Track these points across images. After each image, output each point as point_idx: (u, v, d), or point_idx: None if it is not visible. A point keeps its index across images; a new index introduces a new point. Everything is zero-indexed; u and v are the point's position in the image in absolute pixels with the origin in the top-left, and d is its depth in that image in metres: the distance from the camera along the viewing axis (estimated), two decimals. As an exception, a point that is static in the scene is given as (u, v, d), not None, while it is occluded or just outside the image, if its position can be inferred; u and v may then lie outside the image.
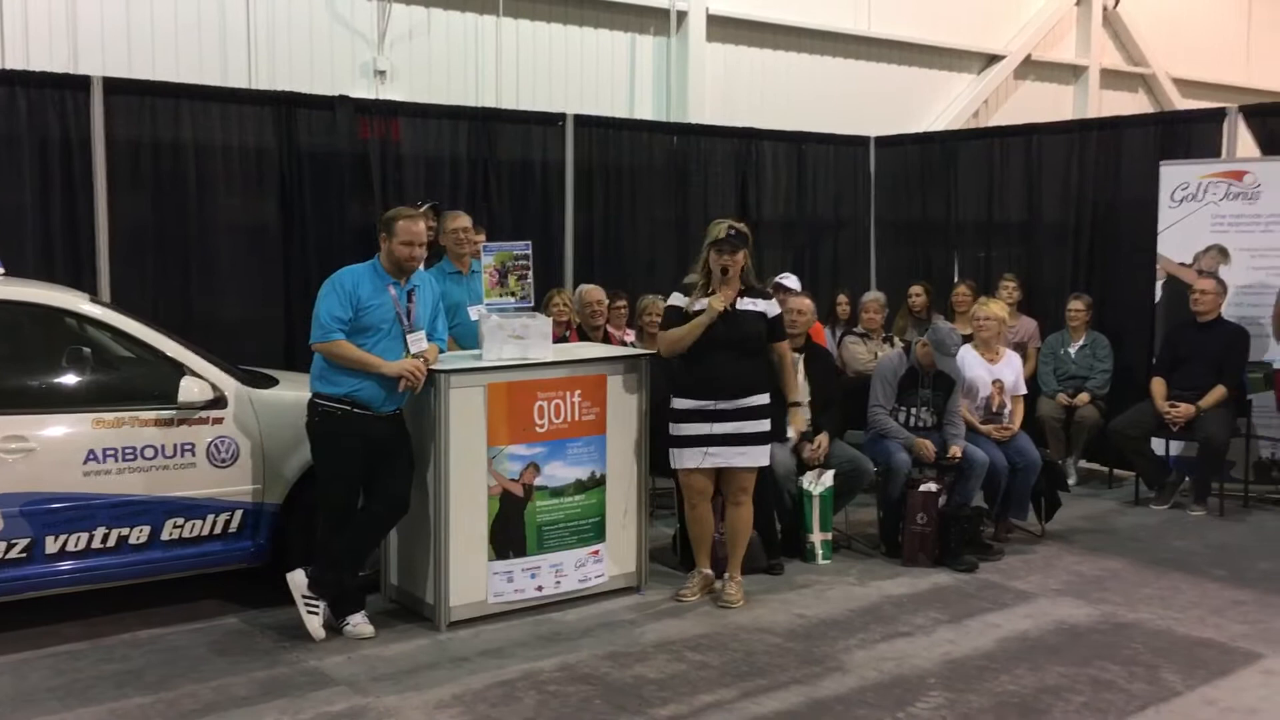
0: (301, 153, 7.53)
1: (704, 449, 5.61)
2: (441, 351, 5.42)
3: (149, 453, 5.13)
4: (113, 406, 5.12)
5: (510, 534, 5.43)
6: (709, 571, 5.86)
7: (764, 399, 5.65)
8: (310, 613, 5.10)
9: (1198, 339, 7.62)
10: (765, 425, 5.66)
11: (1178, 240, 8.18)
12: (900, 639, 5.25)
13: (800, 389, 6.36)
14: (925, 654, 5.06)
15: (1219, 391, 7.43)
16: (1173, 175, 8.20)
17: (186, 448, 5.22)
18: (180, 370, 5.26)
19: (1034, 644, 5.19)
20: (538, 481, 5.48)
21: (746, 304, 5.63)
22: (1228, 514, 7.51)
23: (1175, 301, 8.08)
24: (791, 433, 6.08)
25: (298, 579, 5.13)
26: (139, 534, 5.12)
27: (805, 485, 6.40)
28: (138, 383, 5.29)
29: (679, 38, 11.57)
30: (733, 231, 5.60)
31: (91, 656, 4.91)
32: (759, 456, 5.68)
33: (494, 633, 5.25)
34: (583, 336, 7.37)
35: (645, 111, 11.37)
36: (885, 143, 10.45)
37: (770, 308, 5.72)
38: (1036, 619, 5.53)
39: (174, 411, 5.20)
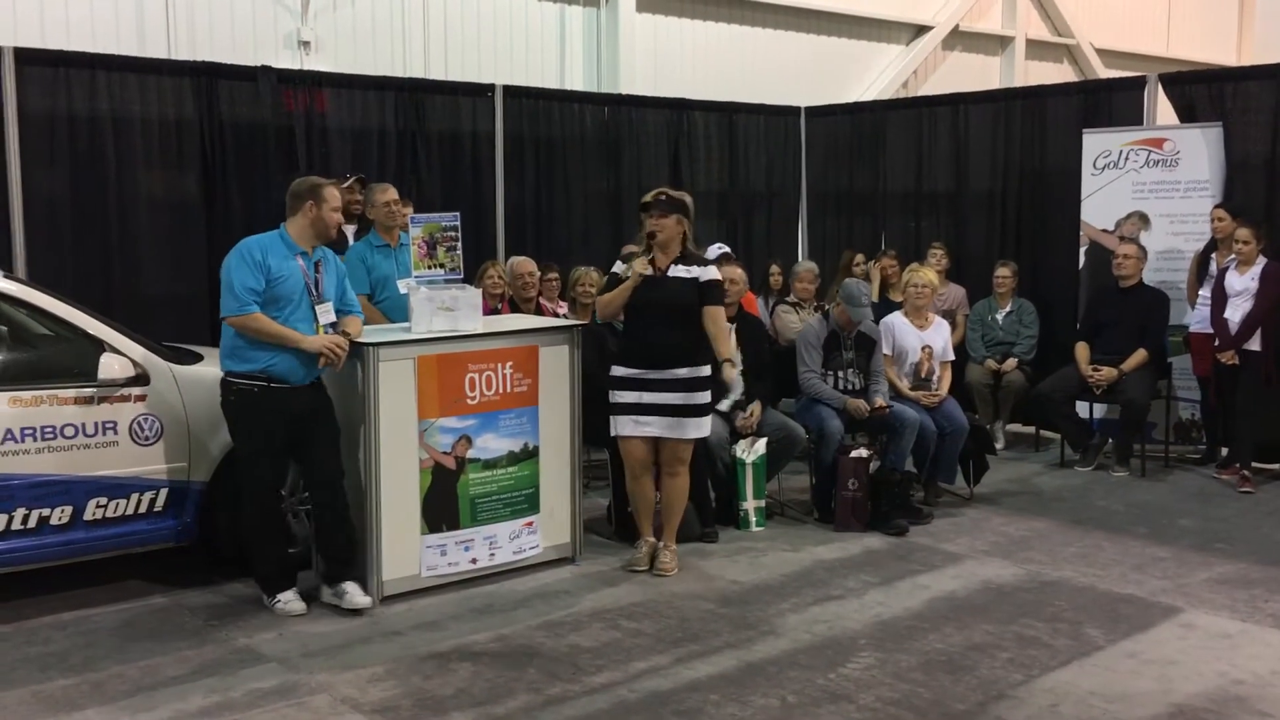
0: (224, 125, 7.39)
1: (635, 417, 5.62)
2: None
3: (69, 432, 5.02)
4: (30, 385, 5.00)
5: (443, 507, 5.40)
6: (654, 539, 5.86)
7: (700, 370, 5.60)
8: (280, 605, 5.07)
9: (1120, 304, 7.77)
10: (702, 398, 5.63)
11: (1100, 207, 8.34)
12: (832, 602, 5.32)
13: (733, 353, 6.39)
14: (856, 616, 5.13)
15: (1140, 355, 7.60)
16: (1095, 143, 8.34)
17: (108, 426, 5.11)
18: (100, 347, 5.14)
19: (962, 604, 5.29)
20: (470, 454, 5.45)
21: (679, 270, 5.60)
22: (1149, 474, 7.70)
23: (1098, 267, 8.25)
24: (732, 388, 5.85)
25: (265, 597, 5.14)
26: (61, 515, 5.01)
27: (738, 453, 6.45)
28: (56, 360, 5.17)
29: (609, 8, 11.49)
30: (663, 197, 5.60)
31: (14, 639, 4.81)
32: (693, 429, 5.64)
33: (427, 606, 5.23)
34: (515, 309, 7.34)
35: (576, 82, 11.29)
36: (816, 113, 10.51)
37: (704, 273, 5.62)
38: (964, 579, 5.63)
39: (94, 389, 5.08)
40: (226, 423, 5.11)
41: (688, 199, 5.71)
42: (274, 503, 5.17)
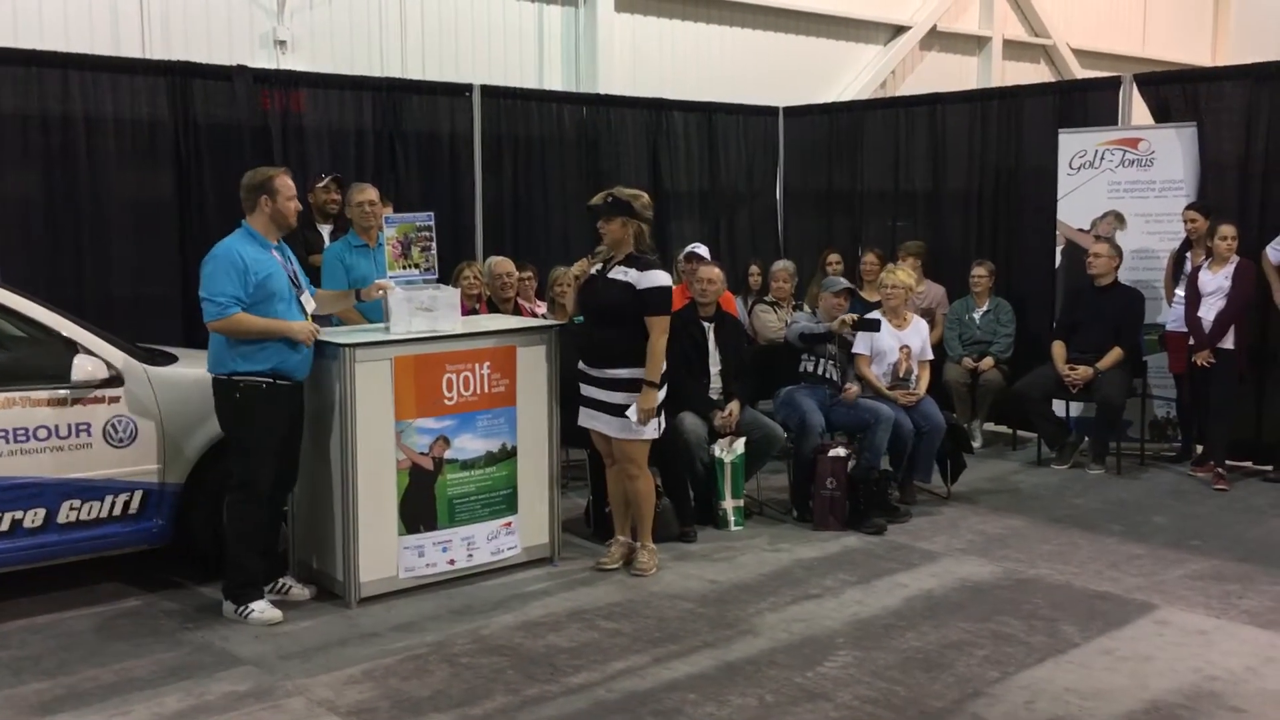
0: (199, 125, 7.34)
1: (586, 409, 5.68)
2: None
3: (42, 434, 4.98)
4: (3, 387, 4.95)
5: (420, 508, 5.38)
6: (625, 539, 5.87)
7: (631, 372, 5.51)
8: (256, 614, 5.00)
9: (1095, 302, 7.81)
10: (629, 399, 5.52)
11: (1076, 206, 8.38)
12: (810, 601, 5.33)
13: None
14: (834, 615, 5.14)
15: (1116, 353, 7.64)
16: (1071, 143, 8.38)
17: (82, 428, 5.07)
18: (74, 348, 5.11)
19: (939, 602, 5.31)
20: (448, 454, 5.43)
21: (618, 273, 5.56)
22: (1125, 472, 7.75)
23: (1075, 267, 8.28)
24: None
25: (226, 609, 5.06)
26: (34, 517, 4.97)
27: (717, 453, 6.45)
28: (29, 362, 5.13)
29: (587, 7, 11.48)
30: (609, 199, 5.58)
31: (-14, 644, 4.78)
32: (619, 428, 5.57)
33: (405, 607, 5.21)
34: (493, 309, 7.32)
35: (554, 82, 11.27)
36: (794, 113, 10.53)
37: (642, 279, 5.46)
38: (942, 578, 5.65)
39: (68, 390, 5.05)
40: (229, 423, 5.00)
41: (637, 199, 5.58)
42: (265, 508, 5.10)
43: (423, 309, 5.43)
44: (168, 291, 7.19)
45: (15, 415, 4.93)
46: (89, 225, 6.98)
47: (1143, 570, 5.75)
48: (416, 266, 5.63)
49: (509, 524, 5.68)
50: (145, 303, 7.07)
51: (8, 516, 4.91)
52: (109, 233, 7.04)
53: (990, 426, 8.86)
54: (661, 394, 5.61)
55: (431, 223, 5.69)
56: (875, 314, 7.04)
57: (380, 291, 5.47)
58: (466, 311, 6.90)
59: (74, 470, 5.05)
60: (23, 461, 4.94)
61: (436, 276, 5.72)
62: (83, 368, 5.05)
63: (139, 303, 7.04)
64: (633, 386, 5.52)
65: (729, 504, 6.49)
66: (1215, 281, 7.28)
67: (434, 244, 5.69)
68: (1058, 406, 8.07)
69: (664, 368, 5.57)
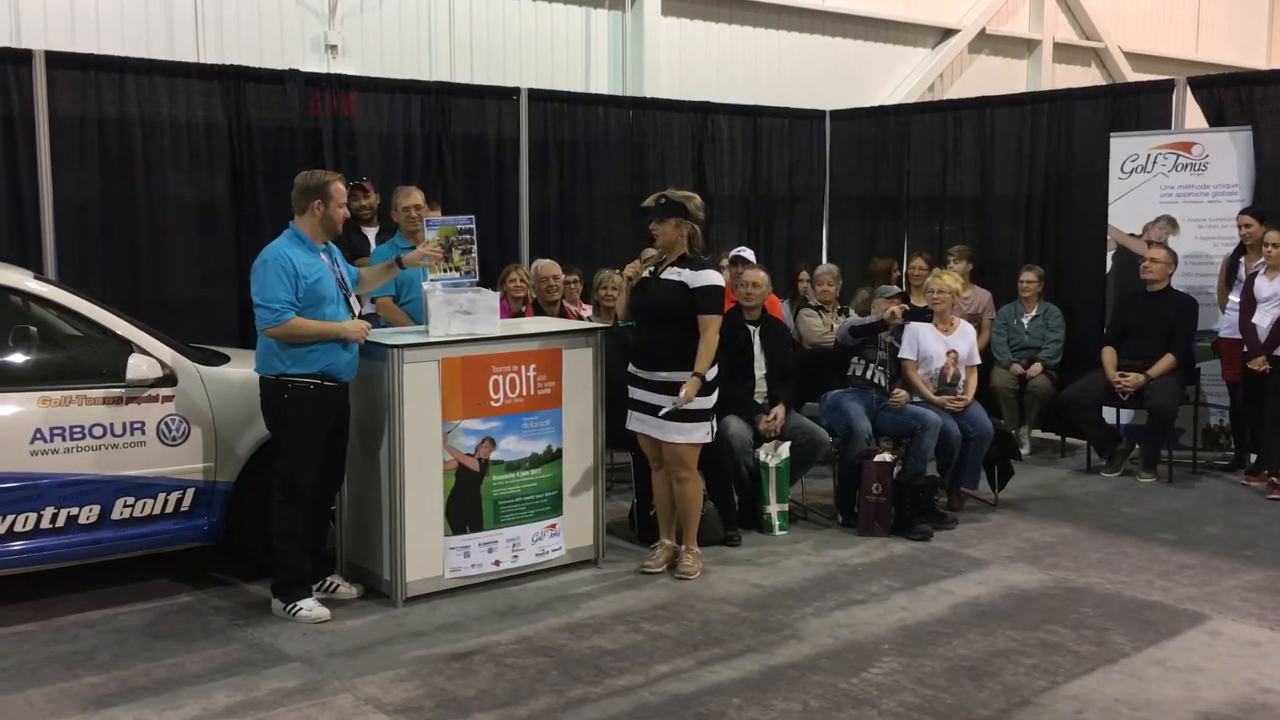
0: (252, 128, 7.46)
1: (635, 413, 5.68)
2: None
3: (97, 431, 5.06)
4: (60, 385, 5.05)
5: (466, 509, 5.41)
6: (670, 542, 5.87)
7: (682, 375, 5.47)
8: (304, 612, 5.06)
9: (1147, 308, 7.71)
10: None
11: (1128, 211, 8.27)
12: (855, 607, 5.30)
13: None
14: (880, 621, 5.11)
15: (1168, 360, 7.53)
16: (1122, 147, 8.28)
17: (136, 426, 5.16)
18: (128, 348, 5.19)
19: (986, 609, 5.26)
20: (493, 456, 5.46)
21: (671, 274, 5.56)
22: (1176, 480, 7.63)
23: (1126, 272, 8.18)
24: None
25: (275, 606, 5.12)
26: (89, 514, 5.06)
27: (762, 457, 6.44)
28: (85, 361, 5.22)
29: (634, 12, 11.51)
30: (663, 200, 5.59)
31: (42, 637, 4.86)
32: (675, 433, 5.54)
33: (451, 607, 5.25)
34: (538, 311, 7.35)
35: (601, 86, 11.32)
36: (840, 116, 10.48)
37: (695, 279, 5.48)
38: (989, 585, 5.60)
39: (123, 389, 5.13)
40: (275, 423, 5.06)
41: (690, 201, 5.60)
42: (311, 507, 5.15)
43: (461, 312, 5.46)
44: (222, 292, 7.31)
45: (71, 413, 5.02)
46: (145, 226, 7.11)
47: (1194, 580, 5.66)
48: (457, 269, 5.66)
49: (554, 526, 5.70)
50: (200, 303, 7.19)
51: (64, 513, 5.00)
52: (164, 234, 7.17)
53: (1039, 433, 8.77)
54: (712, 400, 5.60)
55: (472, 225, 5.71)
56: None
57: (424, 260, 5.48)
58: (512, 314, 6.95)
59: (128, 468, 5.13)
60: (78, 459, 5.02)
61: (477, 279, 5.73)
62: (137, 367, 5.13)
63: (194, 303, 7.17)
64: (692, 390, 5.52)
65: (773, 508, 6.47)
66: (1271, 288, 7.16)
67: (475, 247, 5.69)
68: (1108, 413, 7.97)
69: (714, 369, 5.56)
